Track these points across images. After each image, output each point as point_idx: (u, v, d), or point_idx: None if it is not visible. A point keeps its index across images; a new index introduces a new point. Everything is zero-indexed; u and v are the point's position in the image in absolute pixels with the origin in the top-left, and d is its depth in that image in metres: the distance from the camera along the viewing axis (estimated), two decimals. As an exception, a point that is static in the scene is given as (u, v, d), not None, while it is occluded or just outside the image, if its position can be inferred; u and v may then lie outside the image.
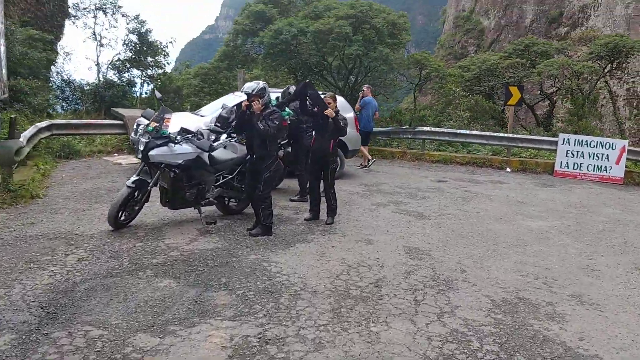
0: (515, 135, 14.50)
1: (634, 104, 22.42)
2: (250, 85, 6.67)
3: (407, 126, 16.32)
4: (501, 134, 14.53)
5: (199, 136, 7.16)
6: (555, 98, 20.09)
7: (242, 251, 5.93)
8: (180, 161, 6.81)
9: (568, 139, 14.10)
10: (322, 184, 7.61)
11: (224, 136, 8.21)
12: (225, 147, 7.69)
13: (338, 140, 7.91)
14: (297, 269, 5.36)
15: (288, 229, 7.01)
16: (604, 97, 19.23)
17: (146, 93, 28.35)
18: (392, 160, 15.14)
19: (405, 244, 6.58)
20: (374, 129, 16.27)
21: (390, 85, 24.81)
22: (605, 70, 17.66)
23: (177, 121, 10.58)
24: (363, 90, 13.23)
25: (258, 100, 6.58)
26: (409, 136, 15.27)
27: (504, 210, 9.09)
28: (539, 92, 21.35)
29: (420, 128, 15.13)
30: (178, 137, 7.06)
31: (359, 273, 5.32)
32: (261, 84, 6.72)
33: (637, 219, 9.15)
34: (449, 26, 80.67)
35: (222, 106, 9.34)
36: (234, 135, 7.76)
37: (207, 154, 7.09)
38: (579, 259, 6.35)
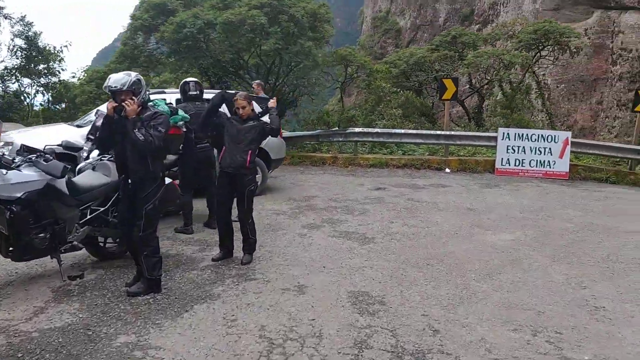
0: (452, 133, 13.37)
1: (546, 95, 22.31)
2: (117, 79, 4.65)
3: (337, 128, 14.70)
4: (438, 132, 13.35)
5: (49, 156, 5.02)
6: (484, 92, 19.41)
7: (107, 329, 3.93)
8: (19, 194, 4.67)
9: (508, 133, 13.14)
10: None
11: (95, 153, 6.09)
12: (94, 169, 5.59)
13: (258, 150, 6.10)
14: (189, 357, 3.44)
15: (185, 279, 5.07)
16: (535, 89, 18.76)
17: (41, 104, 24.86)
18: (323, 167, 13.49)
19: (349, 288, 4.87)
20: (302, 133, 14.48)
21: (315, 84, 23.29)
22: (534, 60, 17.06)
23: (33, 136, 8.27)
24: (253, 88, 11.29)
25: (132, 99, 4.58)
26: (340, 139, 13.70)
27: (457, 223, 7.68)
28: (469, 86, 20.67)
29: (351, 129, 13.61)
30: (17, 159, 4.90)
31: (286, 356, 3.49)
32: (133, 75, 4.72)
33: (602, 221, 8.12)
34: (367, 27, 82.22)
35: (96, 113, 7.19)
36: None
37: (62, 180, 4.97)
38: (571, 292, 4.95)
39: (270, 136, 5.89)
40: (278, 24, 14.82)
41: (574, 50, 18.54)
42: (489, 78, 18.09)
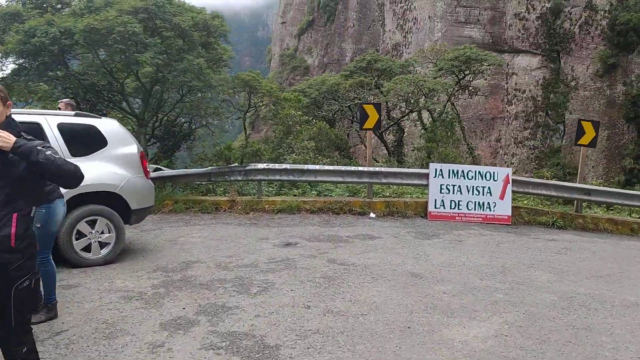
0: (377, 169, 11.25)
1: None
2: None
3: (236, 164, 11.92)
4: (360, 168, 11.13)
5: None
6: (403, 123, 17.77)
7: None
8: None
9: (441, 170, 11.23)
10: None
11: None
12: None
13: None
14: None
15: None
16: (454, 120, 17.44)
17: None
18: (217, 214, 10.64)
19: None
20: (187, 171, 11.57)
21: (214, 114, 20.46)
22: (455, 89, 15.69)
23: None
24: (59, 107, 8.18)
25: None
26: (239, 177, 10.97)
27: (404, 304, 5.30)
28: (386, 117, 19.01)
29: (253, 165, 11.00)
30: None
31: None
32: None
33: (587, 289, 6.23)
34: (275, 64, 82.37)
35: None
36: None
37: None
38: None
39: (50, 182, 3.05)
40: (159, 34, 11.95)
41: (472, 90, 17.68)
42: (409, 108, 16.44)
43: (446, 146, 15.29)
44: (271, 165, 11.05)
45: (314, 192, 12.44)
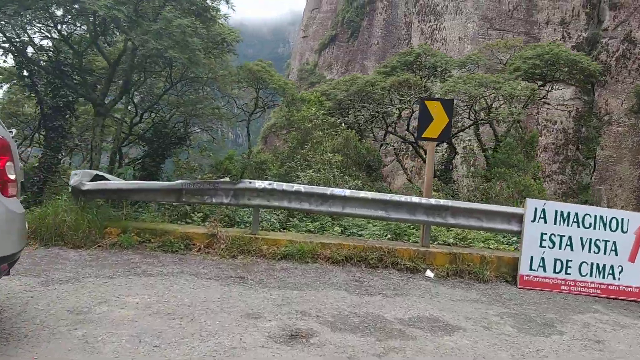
0: (443, 202, 7.42)
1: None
2: None
3: (225, 177, 8.14)
4: (415, 200, 7.38)
5: None
6: (458, 138, 14.07)
7: None
8: None
9: (544, 210, 7.45)
10: None
11: None
12: None
13: None
14: None
15: None
16: (535, 138, 13.66)
17: None
18: (186, 255, 6.95)
19: None
20: (143, 184, 7.92)
21: (212, 115, 16.92)
22: (543, 95, 11.99)
23: None
24: None
25: None
26: (226, 200, 7.27)
27: None
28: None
29: (248, 183, 7.22)
30: None
31: None
32: None
33: None
34: (293, 78, 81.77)
35: None
36: None
37: None
38: None
39: None
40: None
41: (501, 119, 14.21)
42: (474, 118, 12.69)
43: (524, 174, 11.50)
44: (276, 185, 7.37)
45: (337, 227, 8.68)
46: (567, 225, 7.64)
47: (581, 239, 7.63)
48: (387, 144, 17.09)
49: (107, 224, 7.15)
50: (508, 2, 37.14)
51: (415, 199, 7.75)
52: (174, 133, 19.03)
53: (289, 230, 8.54)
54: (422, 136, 8.10)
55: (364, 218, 8.32)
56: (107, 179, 7.37)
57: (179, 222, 8.06)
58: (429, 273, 7.59)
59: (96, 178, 7.26)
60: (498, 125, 13.86)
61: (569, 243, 7.61)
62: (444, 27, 39.68)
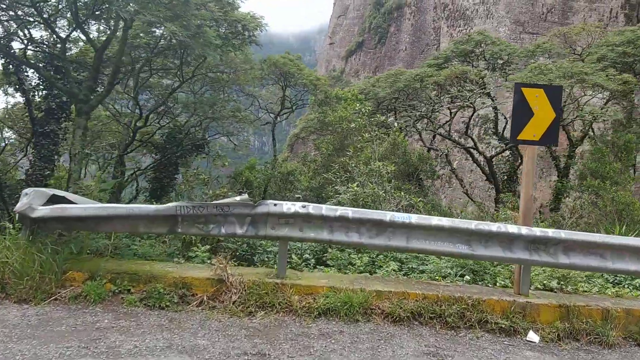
0: (552, 233, 5.09)
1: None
2: None
3: (243, 194, 5.89)
4: (512, 229, 5.15)
5: None
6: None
7: None
8: None
9: None
10: None
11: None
12: None
13: None
14: None
15: None
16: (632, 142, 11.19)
17: None
18: (178, 313, 4.81)
19: None
20: (132, 210, 5.71)
21: (232, 116, 14.94)
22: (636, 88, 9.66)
23: None
24: None
25: None
26: (240, 230, 5.11)
27: None
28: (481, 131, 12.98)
29: (271, 206, 5.01)
30: None
31: None
32: None
33: None
34: None
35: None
36: None
37: None
38: None
39: None
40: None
41: (593, 117, 11.88)
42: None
43: (621, 189, 9.11)
44: (313, 209, 5.25)
45: (392, 263, 6.44)
46: None
47: None
48: (436, 149, 14.77)
49: (69, 265, 5.10)
50: (542, 4, 35.91)
51: (512, 229, 5.51)
52: (190, 139, 17.16)
53: (328, 268, 6.34)
54: (519, 138, 5.82)
55: (438, 255, 6.08)
56: (68, 202, 5.32)
57: (174, 259, 5.93)
58: (532, 336, 5.36)
59: (53, 199, 5.23)
60: (583, 127, 11.50)
61: None
62: (475, 31, 38.03)
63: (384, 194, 7.56)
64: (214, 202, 5.31)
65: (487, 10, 37.53)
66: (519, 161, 13.60)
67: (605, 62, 11.26)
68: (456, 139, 14.46)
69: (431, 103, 12.85)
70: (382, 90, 13.67)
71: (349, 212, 5.37)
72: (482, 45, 13.47)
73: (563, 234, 5.55)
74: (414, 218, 5.41)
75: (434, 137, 15.31)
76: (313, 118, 15.09)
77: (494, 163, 13.84)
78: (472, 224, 5.52)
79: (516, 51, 13.66)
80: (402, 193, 8.19)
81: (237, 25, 11.51)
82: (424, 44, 63.09)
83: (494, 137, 14.41)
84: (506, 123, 14.38)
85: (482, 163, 14.58)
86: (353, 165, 8.84)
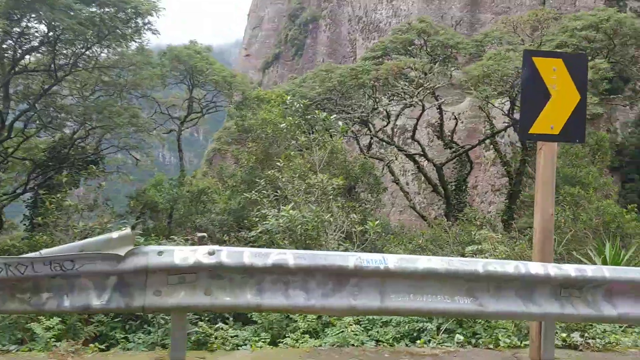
0: (591, 272, 3.25)
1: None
2: None
3: (124, 229, 3.56)
4: (534, 269, 3.25)
5: None
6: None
7: None
8: None
9: None
10: None
11: None
12: None
13: None
14: None
15: None
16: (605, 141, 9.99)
17: None
18: None
19: None
20: None
21: (128, 124, 12.45)
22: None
23: None
24: None
25: None
26: (99, 302, 2.76)
27: None
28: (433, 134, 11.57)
29: (153, 256, 2.80)
30: None
31: None
32: None
33: None
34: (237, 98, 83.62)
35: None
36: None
37: None
38: None
39: None
40: None
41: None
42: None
43: (603, 197, 7.78)
44: (227, 256, 3.11)
45: (353, 322, 4.49)
46: None
47: None
48: (380, 157, 13.12)
49: None
50: (451, 17, 36.37)
51: (536, 268, 3.76)
52: (79, 153, 14.45)
53: (256, 337, 4.27)
54: (531, 131, 4.08)
55: (428, 316, 4.19)
56: None
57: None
58: None
59: None
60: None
61: None
62: (416, 18, 40.04)
63: (330, 219, 5.67)
64: (46, 254, 3.10)
65: (399, 22, 38.70)
66: (469, 169, 12.26)
67: (567, 49, 10.16)
68: (399, 144, 13.01)
69: (370, 103, 11.19)
70: (311, 90, 11.84)
71: (289, 257, 3.36)
72: (424, 35, 12.04)
73: (606, 271, 3.84)
74: (392, 261, 3.49)
75: (370, 143, 13.69)
76: (230, 126, 12.98)
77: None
78: (479, 265, 3.69)
79: (462, 42, 12.37)
80: (355, 215, 6.30)
81: (126, 8, 9.32)
82: (341, 55, 64.94)
83: (440, 141, 13.12)
84: (456, 124, 13.05)
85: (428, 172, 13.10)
86: (284, 180, 6.83)
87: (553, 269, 3.86)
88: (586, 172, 8.77)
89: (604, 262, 6.70)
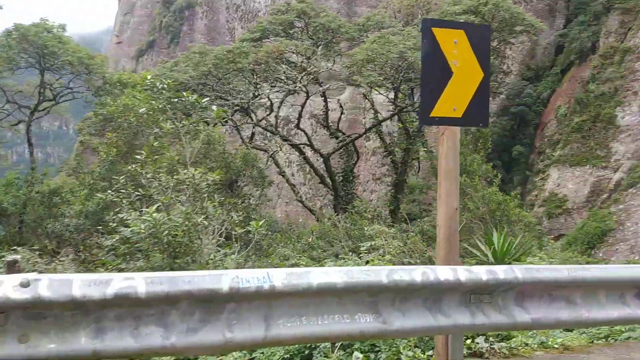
0: (503, 273, 2.83)
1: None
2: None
3: None
4: (444, 274, 3.12)
5: None
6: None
7: None
8: None
9: None
10: None
11: None
12: None
13: None
14: None
15: None
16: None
17: None
18: None
19: None
20: None
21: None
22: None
23: None
24: None
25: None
26: None
27: None
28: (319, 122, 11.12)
29: None
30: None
31: None
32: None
33: None
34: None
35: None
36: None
37: None
38: None
39: None
40: None
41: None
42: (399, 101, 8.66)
43: (488, 185, 7.75)
44: (48, 287, 2.23)
45: None
46: None
47: None
48: (264, 149, 12.34)
49: None
50: (328, 7, 40.19)
51: (445, 273, 3.28)
52: None
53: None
54: (433, 114, 3.60)
55: (323, 341, 3.54)
56: None
57: None
58: None
59: None
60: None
61: None
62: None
63: (205, 221, 4.84)
64: None
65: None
66: (355, 159, 11.96)
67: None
68: (284, 134, 12.40)
69: (251, 89, 10.40)
70: (184, 74, 10.72)
71: (139, 283, 2.54)
72: (305, 16, 11.46)
73: (518, 272, 3.44)
74: (278, 278, 2.80)
75: (252, 134, 12.91)
76: (91, 115, 11.51)
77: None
78: (383, 274, 3.11)
79: (344, 25, 11.98)
80: (235, 213, 5.52)
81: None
82: (219, 44, 63.98)
83: (325, 130, 12.68)
84: (341, 113, 12.67)
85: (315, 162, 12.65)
86: (149, 176, 5.83)
87: (463, 273, 3.40)
88: (471, 159, 8.84)
89: (494, 253, 6.62)
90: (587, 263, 9.67)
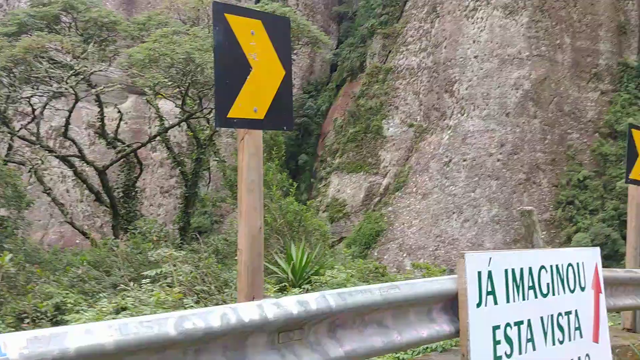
0: (334, 302, 2.35)
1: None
2: None
3: None
4: (264, 309, 2.41)
5: None
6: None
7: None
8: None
9: (490, 275, 3.91)
10: None
11: None
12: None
13: None
14: None
15: None
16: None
17: None
18: None
19: None
20: None
21: None
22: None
23: None
24: None
25: None
26: None
27: None
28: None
29: None
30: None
31: None
32: None
33: None
34: None
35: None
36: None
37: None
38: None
39: None
40: None
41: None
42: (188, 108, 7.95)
43: (281, 194, 7.42)
44: None
45: None
46: (523, 297, 3.89)
47: (542, 321, 4.02)
48: (21, 163, 10.26)
49: None
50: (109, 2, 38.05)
51: (248, 312, 2.60)
52: None
53: None
54: (230, 116, 2.95)
55: None
56: None
57: None
58: None
59: None
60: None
61: (529, 336, 3.89)
62: None
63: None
64: None
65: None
66: (138, 172, 10.71)
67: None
68: (56, 148, 10.39)
69: (4, 91, 8.48)
70: None
71: None
72: (73, 11, 9.83)
73: (331, 299, 2.95)
74: (15, 347, 1.85)
75: (10, 146, 10.66)
76: None
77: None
78: (170, 323, 2.33)
79: (120, 21, 10.61)
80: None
81: None
82: None
83: (102, 139, 11.12)
84: (120, 119, 11.22)
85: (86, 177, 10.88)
86: None
87: (271, 308, 2.78)
88: (266, 168, 8.43)
89: (293, 268, 6.23)
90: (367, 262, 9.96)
